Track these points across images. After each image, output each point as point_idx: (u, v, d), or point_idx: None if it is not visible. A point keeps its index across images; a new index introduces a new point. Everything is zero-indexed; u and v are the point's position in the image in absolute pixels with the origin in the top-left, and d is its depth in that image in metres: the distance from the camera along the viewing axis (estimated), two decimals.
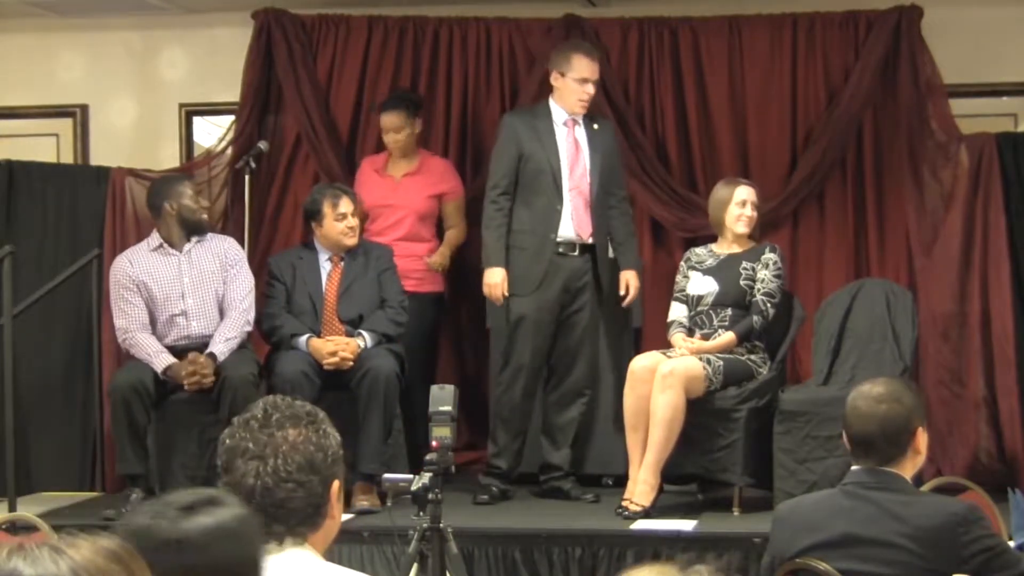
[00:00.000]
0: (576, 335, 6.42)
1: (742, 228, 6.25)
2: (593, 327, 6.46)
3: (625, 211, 6.53)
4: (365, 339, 6.37)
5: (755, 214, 6.27)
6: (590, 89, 6.39)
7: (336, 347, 6.29)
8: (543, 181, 6.36)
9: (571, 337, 6.42)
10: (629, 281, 6.44)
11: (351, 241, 6.49)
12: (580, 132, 6.44)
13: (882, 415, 3.59)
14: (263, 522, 2.40)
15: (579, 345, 6.43)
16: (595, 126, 6.46)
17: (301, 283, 6.52)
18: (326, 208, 6.44)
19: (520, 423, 6.47)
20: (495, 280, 6.38)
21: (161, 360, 6.21)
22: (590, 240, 6.38)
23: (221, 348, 6.25)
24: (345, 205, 6.44)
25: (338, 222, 6.44)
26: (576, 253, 6.38)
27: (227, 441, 2.55)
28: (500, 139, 6.52)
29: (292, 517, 2.50)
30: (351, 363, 6.27)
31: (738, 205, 6.25)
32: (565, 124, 6.44)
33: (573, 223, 6.37)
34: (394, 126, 6.96)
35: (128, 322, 6.32)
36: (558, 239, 6.36)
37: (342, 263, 6.54)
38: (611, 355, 6.72)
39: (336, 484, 2.55)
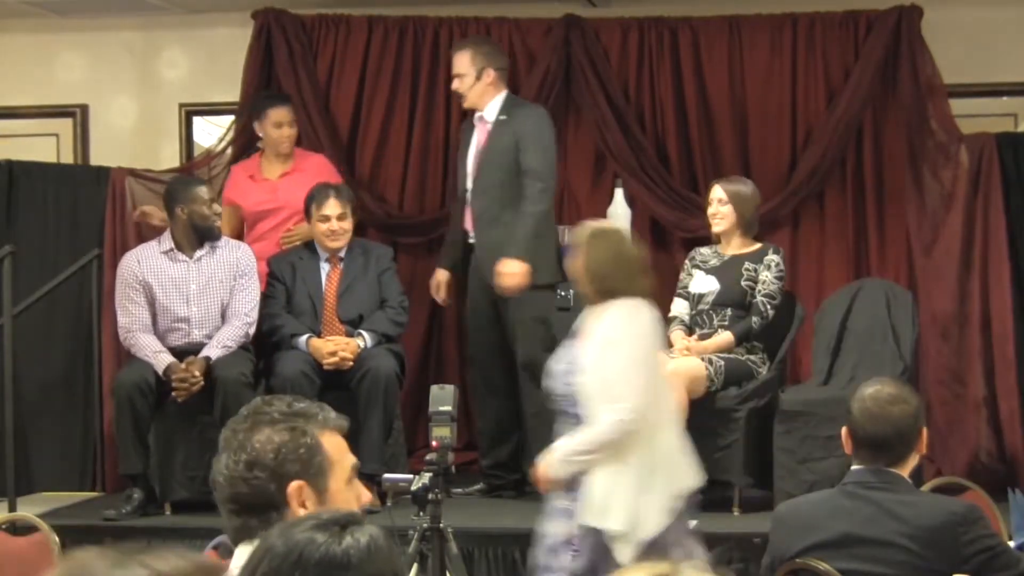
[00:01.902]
0: (511, 334, 6.41)
1: (715, 226, 6.26)
2: (522, 324, 6.33)
3: (524, 195, 6.27)
4: (365, 339, 6.37)
5: (728, 210, 6.23)
6: (455, 83, 6.51)
7: (336, 347, 6.30)
8: (462, 183, 6.56)
9: (511, 337, 6.43)
10: (499, 265, 6.21)
11: (333, 243, 6.48)
12: (486, 128, 6.48)
13: (895, 417, 3.60)
14: (233, 516, 2.52)
15: (516, 344, 6.38)
16: (503, 117, 6.44)
17: (301, 283, 6.52)
18: (313, 208, 6.47)
19: (481, 418, 6.61)
20: (432, 280, 6.72)
21: (161, 360, 6.22)
22: (471, 237, 6.47)
23: (216, 353, 6.25)
24: (330, 207, 6.42)
25: (320, 223, 6.45)
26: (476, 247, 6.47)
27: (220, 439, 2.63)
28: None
29: (240, 513, 2.53)
30: (351, 363, 6.27)
31: (710, 204, 6.27)
32: (479, 121, 6.52)
33: (466, 217, 6.50)
34: (288, 120, 6.90)
35: (131, 321, 6.33)
36: (468, 238, 6.50)
37: (341, 263, 6.54)
38: None
39: (294, 484, 2.54)
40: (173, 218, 6.42)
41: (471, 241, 6.50)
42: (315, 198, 6.48)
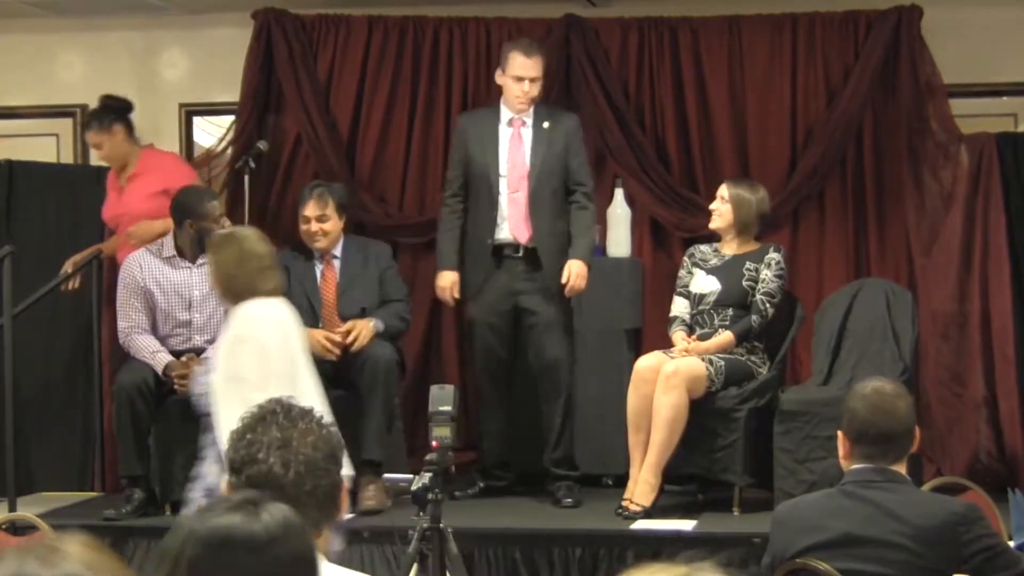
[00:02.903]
0: (536, 338, 6.35)
1: (711, 222, 6.31)
2: (555, 329, 6.30)
3: (583, 206, 6.30)
4: (377, 324, 6.37)
5: (727, 210, 6.24)
6: (526, 87, 6.30)
7: (351, 328, 6.29)
8: (481, 185, 6.39)
9: (532, 340, 6.37)
10: (571, 268, 6.21)
11: (314, 244, 6.48)
12: (527, 132, 6.34)
13: (902, 412, 3.63)
14: (312, 509, 2.50)
15: (542, 348, 6.34)
16: (545, 124, 6.33)
17: (297, 285, 6.50)
18: (299, 207, 6.49)
19: (488, 421, 6.55)
20: (442, 283, 6.48)
21: (160, 359, 6.23)
22: (529, 244, 6.31)
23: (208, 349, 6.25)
24: (308, 208, 6.42)
25: (302, 224, 6.47)
26: (520, 255, 6.33)
27: (247, 435, 2.59)
28: (452, 141, 6.61)
29: (317, 507, 2.54)
30: (356, 344, 6.27)
31: (714, 199, 6.31)
32: (511, 124, 6.37)
33: (510, 226, 6.33)
34: (92, 143, 6.87)
35: (130, 325, 6.35)
36: (495, 243, 6.35)
37: (335, 260, 6.54)
38: (606, 355, 6.72)
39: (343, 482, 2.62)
40: (180, 228, 6.40)
41: (503, 239, 6.35)
42: (300, 198, 6.51)
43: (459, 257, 6.47)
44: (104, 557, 1.75)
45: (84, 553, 1.72)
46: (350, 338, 6.27)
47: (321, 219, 6.44)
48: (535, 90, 6.32)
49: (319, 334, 6.25)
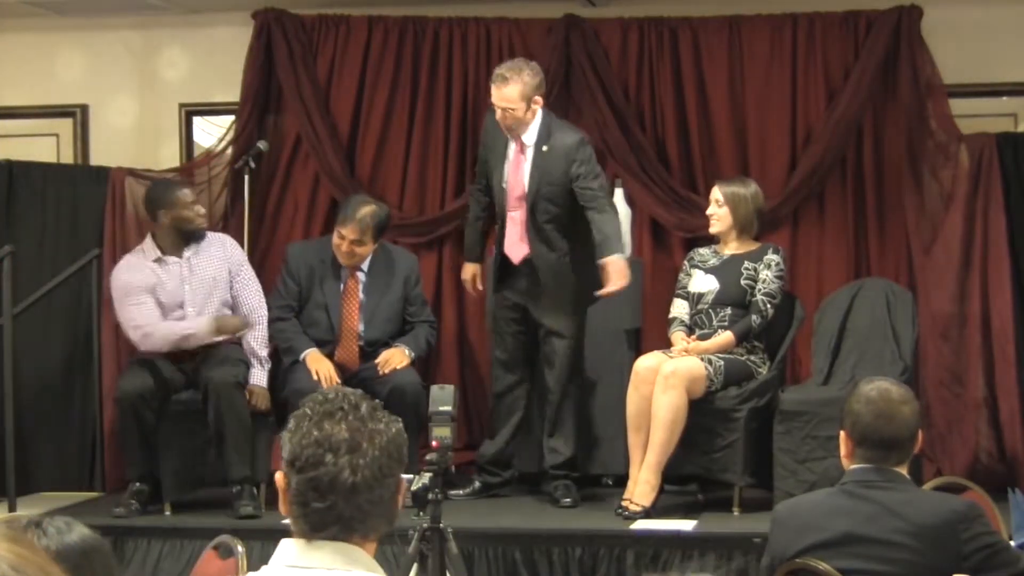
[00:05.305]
0: (541, 343, 6.36)
1: (711, 227, 6.29)
2: (558, 336, 6.27)
3: (601, 208, 6.09)
4: (411, 353, 6.42)
5: (725, 212, 6.23)
6: (498, 114, 6.21)
7: (388, 357, 6.35)
8: (498, 198, 6.37)
9: (540, 345, 6.39)
10: (608, 268, 5.99)
11: (342, 261, 6.48)
12: (528, 154, 6.25)
13: (906, 417, 3.61)
14: (345, 521, 2.29)
15: (545, 353, 6.34)
16: (544, 148, 6.20)
17: (318, 291, 6.48)
18: (339, 219, 6.45)
19: (496, 416, 6.55)
20: (465, 276, 6.65)
21: (200, 324, 6.22)
22: (522, 264, 6.28)
23: (262, 374, 6.32)
24: (348, 230, 6.35)
25: (335, 236, 6.43)
26: (525, 267, 6.30)
27: (314, 433, 2.33)
28: (481, 134, 6.54)
29: (379, 513, 2.33)
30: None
31: (709, 205, 6.30)
32: (516, 144, 6.29)
33: (508, 242, 6.31)
34: None
35: (141, 323, 6.25)
36: (504, 252, 6.34)
37: (360, 274, 6.51)
38: (606, 355, 6.71)
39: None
40: (157, 223, 6.38)
41: (504, 254, 6.33)
42: (342, 211, 6.46)
43: (482, 248, 6.54)
44: (29, 553, 1.68)
45: (10, 551, 1.66)
46: (385, 369, 6.33)
47: (355, 243, 6.40)
48: (508, 118, 6.17)
49: (332, 371, 6.30)
